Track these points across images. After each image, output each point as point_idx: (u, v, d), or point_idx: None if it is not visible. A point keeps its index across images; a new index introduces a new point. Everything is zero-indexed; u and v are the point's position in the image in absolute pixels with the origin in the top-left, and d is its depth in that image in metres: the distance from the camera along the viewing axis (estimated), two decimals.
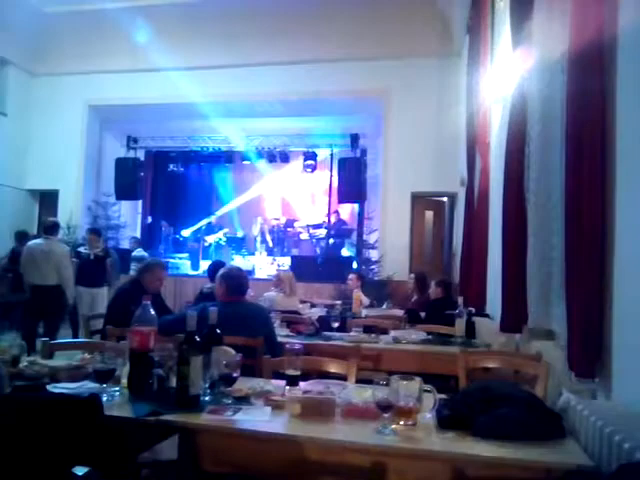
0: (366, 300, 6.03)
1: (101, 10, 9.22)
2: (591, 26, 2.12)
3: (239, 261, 10.64)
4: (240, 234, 12.17)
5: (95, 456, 1.52)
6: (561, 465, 1.58)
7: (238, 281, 3.12)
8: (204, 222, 12.37)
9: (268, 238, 11.86)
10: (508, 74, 3.94)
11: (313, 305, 5.85)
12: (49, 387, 2.03)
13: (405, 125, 8.54)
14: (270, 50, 8.85)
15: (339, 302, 6.31)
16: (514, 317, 3.24)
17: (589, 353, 2.12)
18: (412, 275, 6.01)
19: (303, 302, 5.70)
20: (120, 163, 10.06)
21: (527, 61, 3.30)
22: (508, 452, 1.64)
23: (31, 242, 6.28)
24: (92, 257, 6.72)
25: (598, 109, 2.10)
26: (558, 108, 2.78)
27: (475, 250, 5.09)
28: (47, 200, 10.33)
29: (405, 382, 1.78)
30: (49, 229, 6.19)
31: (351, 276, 6.40)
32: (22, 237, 7.26)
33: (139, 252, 9.20)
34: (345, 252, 10.53)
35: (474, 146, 5.67)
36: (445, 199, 8.93)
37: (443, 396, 1.97)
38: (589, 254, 2.12)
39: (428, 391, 1.88)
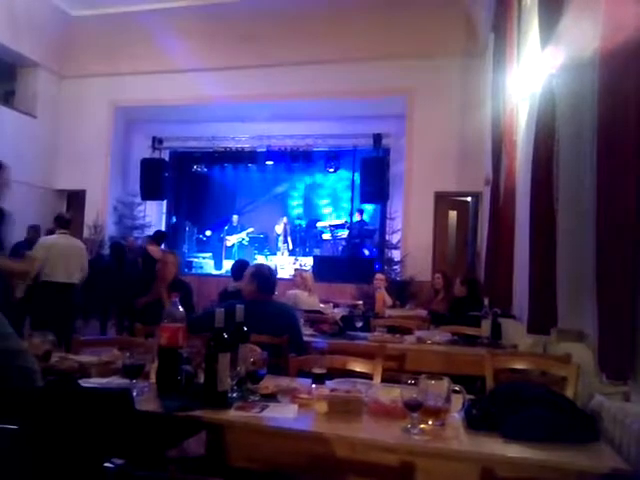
0: (389, 300, 6.02)
1: (126, 13, 9.40)
2: (625, 21, 2.08)
3: (261, 261, 10.69)
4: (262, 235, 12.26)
5: (127, 450, 1.55)
6: (595, 469, 1.54)
7: (269, 280, 3.15)
8: (227, 222, 12.48)
9: (289, 239, 11.90)
10: (536, 72, 3.88)
11: (336, 305, 5.85)
12: (80, 382, 2.07)
13: (429, 124, 8.48)
14: (294, 51, 8.88)
15: (360, 302, 6.32)
16: (542, 318, 3.18)
17: (621, 354, 2.07)
18: (438, 275, 5.97)
19: (326, 302, 5.71)
20: (145, 163, 10.19)
21: (556, 58, 3.24)
22: (538, 454, 1.61)
23: (50, 237, 5.80)
24: None
25: (631, 106, 2.06)
26: (588, 105, 2.73)
27: (501, 250, 5.02)
28: (74, 200, 10.54)
29: (434, 382, 1.77)
30: (66, 223, 5.80)
31: (379, 276, 6.41)
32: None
33: None
34: (366, 252, 10.50)
35: (500, 145, 5.60)
36: (469, 199, 8.85)
37: (470, 397, 1.95)
38: (621, 252, 2.07)
39: (456, 391, 1.87)
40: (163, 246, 9.81)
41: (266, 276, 3.15)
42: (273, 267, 9.64)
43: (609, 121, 2.21)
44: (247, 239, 11.90)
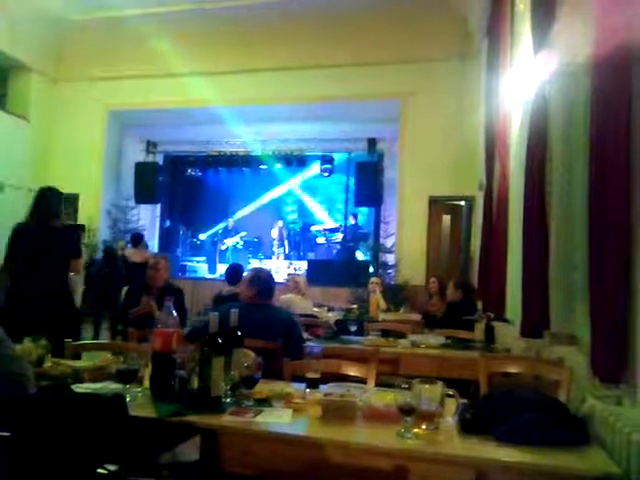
0: (384, 304, 6.02)
1: (121, 17, 9.36)
2: (617, 27, 2.10)
3: (256, 265, 10.66)
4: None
5: (120, 455, 1.54)
6: (587, 472, 1.55)
7: (269, 284, 3.16)
8: (221, 226, 12.46)
9: (285, 243, 11.90)
10: (529, 77, 3.91)
11: (330, 309, 5.84)
12: (72, 387, 2.06)
13: (422, 129, 8.51)
14: (287, 55, 8.89)
15: (355, 306, 6.31)
16: (535, 322, 3.19)
17: (614, 358, 2.08)
18: (433, 279, 5.97)
19: (320, 306, 5.70)
20: (139, 167, 10.17)
21: (549, 64, 3.27)
22: (531, 457, 1.62)
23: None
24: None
25: (624, 112, 2.07)
26: (581, 111, 2.75)
27: (494, 254, 5.04)
28: (68, 204, 10.44)
29: (427, 386, 1.77)
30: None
31: (375, 279, 6.41)
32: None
33: None
34: (360, 256, 10.51)
35: (493, 149, 5.63)
36: (463, 203, 8.87)
37: (464, 401, 1.95)
38: (613, 257, 2.08)
39: (450, 395, 1.87)
40: (157, 250, 9.81)
41: (266, 280, 3.16)
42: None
43: (602, 126, 2.23)
44: (241, 243, 11.88)
